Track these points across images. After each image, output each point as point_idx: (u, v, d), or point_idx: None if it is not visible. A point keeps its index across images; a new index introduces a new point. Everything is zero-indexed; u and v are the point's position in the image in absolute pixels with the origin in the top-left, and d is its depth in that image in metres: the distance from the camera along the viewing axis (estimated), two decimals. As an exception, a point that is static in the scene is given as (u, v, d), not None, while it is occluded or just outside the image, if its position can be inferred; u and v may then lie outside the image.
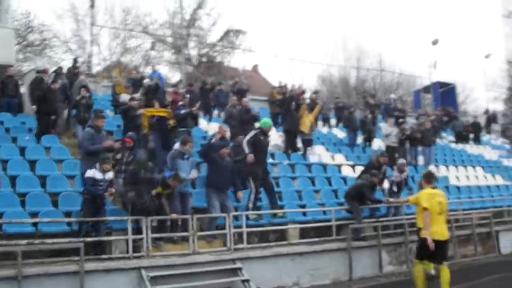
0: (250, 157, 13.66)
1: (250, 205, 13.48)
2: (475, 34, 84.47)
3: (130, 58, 41.16)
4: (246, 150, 13.90)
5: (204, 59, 42.74)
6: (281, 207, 14.27)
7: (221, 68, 41.93)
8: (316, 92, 24.66)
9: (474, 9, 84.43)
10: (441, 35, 60.10)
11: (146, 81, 19.86)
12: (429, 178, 11.07)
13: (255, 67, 53.41)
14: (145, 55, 41.59)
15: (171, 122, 14.54)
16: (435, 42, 35.64)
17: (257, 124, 16.13)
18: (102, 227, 11.15)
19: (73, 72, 19.64)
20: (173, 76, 42.71)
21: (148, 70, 33.13)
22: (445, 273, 10.57)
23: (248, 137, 14.16)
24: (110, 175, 11.38)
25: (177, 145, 13.10)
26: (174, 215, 11.65)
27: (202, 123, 20.33)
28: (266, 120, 15.18)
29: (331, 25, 79.30)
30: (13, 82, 17.44)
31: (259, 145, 14.09)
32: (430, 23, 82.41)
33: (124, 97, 17.27)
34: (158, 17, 53.02)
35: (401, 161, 16.52)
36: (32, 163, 13.44)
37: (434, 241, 10.30)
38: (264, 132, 14.41)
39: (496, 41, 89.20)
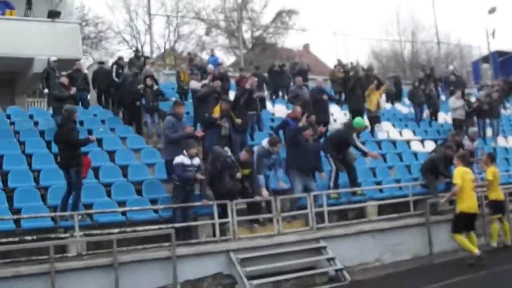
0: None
1: (331, 184, 13.55)
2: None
3: (184, 45, 41.57)
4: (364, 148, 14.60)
5: (257, 41, 42.80)
6: (360, 185, 14.23)
7: (276, 50, 41.96)
8: (370, 69, 24.33)
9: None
10: (497, 2, 58.69)
11: (210, 67, 20.05)
12: (464, 158, 12.71)
13: (306, 46, 53.17)
14: (199, 41, 41.94)
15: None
16: (492, 11, 34.76)
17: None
18: (191, 212, 11.39)
19: (137, 63, 19.93)
20: (228, 60, 42.99)
21: (204, 56, 33.45)
22: (473, 236, 12.39)
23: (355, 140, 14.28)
24: (197, 160, 11.61)
25: (264, 142, 13.03)
26: (258, 198, 11.83)
27: (268, 105, 20.42)
28: (360, 120, 15.13)
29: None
30: (82, 76, 17.80)
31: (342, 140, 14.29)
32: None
33: (194, 84, 17.40)
34: (210, 2, 53.35)
35: (473, 129, 16.52)
36: (111, 154, 13.80)
37: (468, 214, 12.04)
38: (354, 130, 14.43)
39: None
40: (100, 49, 39.53)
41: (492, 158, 14.27)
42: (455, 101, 20.11)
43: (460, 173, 12.09)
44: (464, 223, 12.13)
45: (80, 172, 10.93)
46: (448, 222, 13.92)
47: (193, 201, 11.55)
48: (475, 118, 20.58)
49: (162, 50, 40.89)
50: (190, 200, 11.45)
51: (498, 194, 13.78)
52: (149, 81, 16.15)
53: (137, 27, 41.10)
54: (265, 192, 12.39)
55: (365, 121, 15.56)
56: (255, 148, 12.81)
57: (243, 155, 12.04)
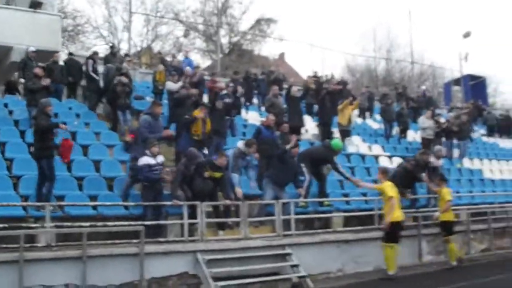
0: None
1: (303, 192, 13.82)
2: (506, 27, 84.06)
3: (161, 45, 41.61)
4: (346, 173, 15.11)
5: (234, 47, 43.07)
6: (327, 196, 14.54)
7: (252, 57, 42.28)
8: (344, 83, 24.78)
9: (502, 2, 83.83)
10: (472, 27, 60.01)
11: (188, 69, 20.25)
12: (387, 173, 13.30)
13: (281, 55, 53.63)
14: (176, 42, 42.07)
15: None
16: (466, 35, 35.59)
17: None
18: (162, 211, 11.57)
19: (112, 59, 20.01)
20: (203, 63, 43.18)
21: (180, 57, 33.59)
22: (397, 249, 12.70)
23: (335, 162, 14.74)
24: (161, 158, 11.85)
25: (240, 144, 13.43)
26: (227, 201, 12.08)
27: (242, 112, 20.69)
28: (338, 142, 15.45)
29: (360, 15, 79.44)
30: (59, 68, 17.80)
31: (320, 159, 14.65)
32: (457, 15, 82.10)
33: (171, 85, 17.58)
34: (190, 4, 53.52)
35: (438, 147, 17.02)
36: (85, 148, 13.90)
37: (398, 222, 12.50)
38: (334, 152, 14.80)
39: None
40: (77, 42, 39.39)
41: (444, 179, 14.90)
42: (424, 121, 20.56)
43: (390, 186, 12.62)
44: (395, 233, 12.49)
45: (52, 163, 11.07)
46: (410, 237, 14.46)
47: (163, 200, 11.73)
48: (443, 138, 21.06)
49: (139, 49, 40.97)
50: (160, 199, 11.63)
51: (450, 215, 14.32)
52: (124, 79, 16.19)
53: (115, 23, 41.10)
54: (239, 191, 12.76)
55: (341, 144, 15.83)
56: (231, 150, 13.06)
57: (218, 159, 12.24)
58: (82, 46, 39.55)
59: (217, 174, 12.13)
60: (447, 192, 14.33)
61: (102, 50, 38.79)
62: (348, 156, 18.47)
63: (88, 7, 52.90)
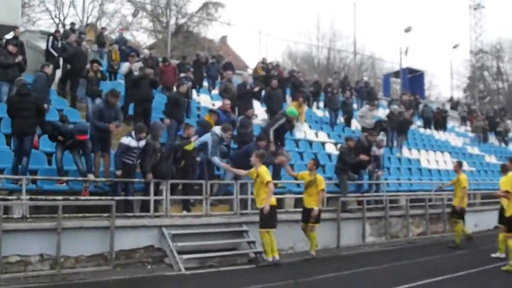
0: (272, 147, 15.07)
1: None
2: (444, 24, 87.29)
3: (107, 23, 41.51)
4: (271, 138, 15.24)
5: (181, 29, 43.35)
6: (280, 178, 15.40)
7: (198, 39, 42.69)
8: (297, 73, 25.72)
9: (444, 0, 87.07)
10: (408, 23, 62.12)
11: (146, 51, 20.70)
12: (263, 157, 12.52)
13: (223, 39, 53.96)
14: (123, 20, 42.06)
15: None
16: (408, 30, 36.98)
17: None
18: (131, 188, 12.19)
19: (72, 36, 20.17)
20: (148, 41, 43.42)
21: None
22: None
23: (276, 125, 15.42)
24: (143, 142, 12.30)
25: (217, 129, 14.02)
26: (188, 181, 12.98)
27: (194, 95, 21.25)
28: (292, 109, 16.30)
29: (305, 4, 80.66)
30: (19, 44, 17.87)
31: (282, 131, 15.66)
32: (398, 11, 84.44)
33: (127, 65, 17.88)
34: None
35: (380, 138, 18.05)
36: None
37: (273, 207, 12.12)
38: (289, 120, 15.66)
39: (462, 31, 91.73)
40: (23, 16, 38.71)
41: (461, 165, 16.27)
42: (365, 111, 21.53)
43: (267, 172, 12.32)
44: (273, 217, 12.14)
45: (33, 141, 11.53)
46: (355, 220, 15.59)
47: (134, 177, 12.35)
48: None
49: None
50: (131, 177, 12.24)
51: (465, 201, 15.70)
52: (95, 66, 16.20)
53: (61, -2, 40.75)
54: (226, 166, 13.53)
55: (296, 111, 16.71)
56: (208, 135, 13.74)
57: (186, 130, 13.13)
58: (28, 19, 39.11)
59: (189, 147, 12.86)
60: (464, 179, 15.54)
61: (47, 24, 38.76)
62: (296, 141, 19.39)
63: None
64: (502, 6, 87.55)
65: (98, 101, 14.41)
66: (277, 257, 12.04)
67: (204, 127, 14.26)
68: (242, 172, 12.96)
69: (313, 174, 13.32)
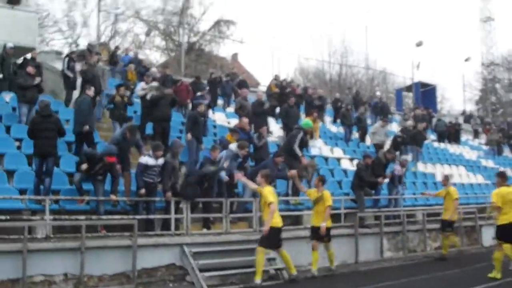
0: (304, 160, 15.63)
1: (289, 191, 15.00)
2: (454, 37, 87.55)
3: (120, 42, 41.92)
4: (299, 153, 15.69)
5: (193, 47, 43.69)
6: (298, 195, 15.50)
7: (210, 57, 43.01)
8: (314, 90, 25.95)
9: (456, 14, 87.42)
10: (419, 37, 62.29)
11: (154, 70, 20.92)
12: (269, 177, 12.32)
13: (234, 56, 54.28)
14: (136, 39, 42.48)
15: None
16: (419, 44, 37.13)
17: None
18: (152, 207, 12.33)
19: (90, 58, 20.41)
20: (161, 59, 43.80)
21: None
22: (285, 254, 12.25)
23: (297, 141, 15.73)
24: (161, 160, 12.47)
25: (233, 146, 14.14)
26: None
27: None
28: (307, 121, 16.76)
29: (317, 19, 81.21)
30: (36, 65, 18.13)
31: (302, 144, 15.95)
32: (409, 26, 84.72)
33: (143, 85, 18.05)
34: (151, 3, 53.76)
35: (404, 157, 18.03)
36: (69, 145, 14.43)
37: (276, 228, 11.76)
38: (306, 132, 16.01)
39: (473, 45, 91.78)
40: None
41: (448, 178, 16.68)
42: (378, 127, 21.63)
43: (271, 192, 11.92)
44: (272, 238, 11.76)
45: (55, 161, 11.73)
46: (373, 235, 15.62)
47: (155, 196, 12.51)
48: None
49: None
50: (153, 196, 12.40)
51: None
52: (122, 90, 16.14)
53: (74, 19, 41.29)
54: (238, 175, 13.42)
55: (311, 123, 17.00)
56: (224, 152, 13.86)
57: (212, 152, 13.27)
58: (42, 40, 39.55)
59: (213, 168, 13.00)
60: (454, 191, 15.88)
61: (60, 44, 39.21)
62: (312, 158, 19.40)
63: (48, 1, 52.59)
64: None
65: (117, 132, 14.35)
66: (295, 273, 12.13)
67: (225, 147, 14.35)
68: (253, 185, 12.66)
69: (320, 190, 13.22)
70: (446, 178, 16.47)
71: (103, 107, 17.86)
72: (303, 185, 14.73)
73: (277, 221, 11.79)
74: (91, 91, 14.84)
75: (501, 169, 14.91)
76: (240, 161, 14.28)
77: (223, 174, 13.46)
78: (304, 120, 17.18)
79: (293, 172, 14.30)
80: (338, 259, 14.53)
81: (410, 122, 23.66)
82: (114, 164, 12.07)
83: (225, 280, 11.76)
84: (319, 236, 13.03)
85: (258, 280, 11.48)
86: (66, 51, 34.83)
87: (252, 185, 12.71)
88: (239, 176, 13.20)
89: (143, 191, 12.12)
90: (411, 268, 14.60)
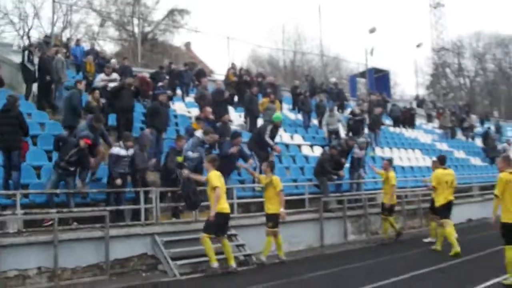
0: (278, 149, 16.31)
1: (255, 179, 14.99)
2: (405, 23, 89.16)
3: (73, 33, 41.33)
4: (271, 143, 16.01)
5: (147, 37, 43.42)
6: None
7: (164, 46, 42.84)
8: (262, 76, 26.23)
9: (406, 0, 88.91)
10: (371, 23, 63.18)
11: (113, 61, 20.84)
12: (216, 162, 12.00)
13: (187, 45, 54.14)
14: (88, 30, 41.96)
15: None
16: (372, 30, 37.72)
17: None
18: (123, 197, 12.42)
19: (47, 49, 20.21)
20: (114, 49, 43.44)
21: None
22: (226, 244, 11.86)
23: (268, 132, 15.94)
24: (131, 151, 12.59)
25: (199, 133, 14.24)
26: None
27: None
28: (278, 114, 17.01)
29: (271, 7, 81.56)
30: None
31: (271, 136, 16.12)
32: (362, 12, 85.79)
33: (102, 76, 17.97)
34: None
35: (362, 140, 18.46)
36: (34, 138, 14.32)
37: (223, 214, 11.50)
38: (275, 125, 16.23)
39: (423, 30, 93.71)
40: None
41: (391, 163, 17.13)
42: (327, 119, 22.09)
43: (217, 176, 11.64)
44: (218, 224, 11.51)
45: (20, 155, 11.65)
46: (337, 219, 16.01)
47: (126, 186, 12.62)
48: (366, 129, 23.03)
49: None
50: (124, 187, 12.49)
51: (394, 198, 16.30)
52: (96, 94, 15.68)
53: (25, 10, 40.53)
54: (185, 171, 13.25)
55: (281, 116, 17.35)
56: (190, 140, 13.96)
57: (178, 142, 13.31)
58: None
59: (180, 158, 13.08)
60: (393, 177, 16.16)
61: (11, 37, 38.48)
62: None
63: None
64: (461, 3, 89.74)
65: (82, 124, 14.30)
66: (233, 264, 11.74)
67: (192, 135, 14.45)
68: (200, 178, 12.51)
69: (269, 176, 12.98)
70: (389, 163, 16.75)
71: (63, 99, 17.79)
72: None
73: (224, 207, 11.57)
74: (81, 85, 15.05)
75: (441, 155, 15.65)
76: (207, 147, 14.37)
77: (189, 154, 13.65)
78: (276, 113, 17.34)
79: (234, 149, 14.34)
80: (304, 243, 15.00)
81: (355, 108, 24.26)
82: (88, 148, 12.12)
83: (196, 267, 11.90)
84: (275, 223, 12.82)
85: (214, 263, 11.36)
86: (16, 43, 34.41)
87: (200, 178, 12.52)
88: (186, 173, 12.66)
89: (119, 181, 12.19)
90: (375, 250, 15.03)
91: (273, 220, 12.78)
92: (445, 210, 13.93)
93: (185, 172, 12.63)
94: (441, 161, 14.71)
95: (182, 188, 12.57)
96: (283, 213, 12.81)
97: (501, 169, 10.34)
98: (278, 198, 12.79)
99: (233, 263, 11.73)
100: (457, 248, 13.23)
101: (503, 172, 10.14)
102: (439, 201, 13.97)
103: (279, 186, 12.78)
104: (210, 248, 11.39)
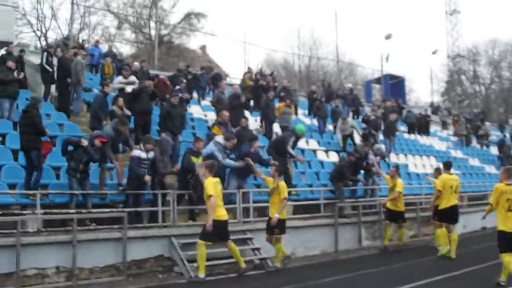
0: (302, 160, 16.87)
1: None
2: (421, 30, 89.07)
3: (90, 35, 41.70)
4: (294, 153, 16.37)
5: (163, 40, 43.68)
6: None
7: (180, 49, 43.07)
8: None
9: (423, 6, 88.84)
10: (387, 30, 63.14)
11: (136, 64, 21.01)
12: (213, 168, 11.74)
13: (203, 48, 54.36)
14: (105, 32, 42.31)
15: None
16: (388, 37, 37.71)
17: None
18: (141, 199, 12.55)
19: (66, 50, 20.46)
20: (130, 51, 43.72)
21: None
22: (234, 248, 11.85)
23: (291, 143, 16.18)
24: (152, 154, 12.72)
25: (219, 139, 14.32)
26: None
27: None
28: (301, 126, 17.02)
29: (288, 12, 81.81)
30: (13, 59, 18.05)
31: (293, 146, 16.41)
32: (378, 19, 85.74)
33: (120, 79, 18.11)
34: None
35: (378, 146, 18.54)
36: (52, 139, 14.49)
37: (220, 221, 11.44)
38: (297, 137, 16.50)
39: (439, 37, 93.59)
40: (4, 29, 38.84)
41: (398, 170, 16.99)
42: (340, 127, 22.18)
43: (213, 184, 11.38)
44: (215, 232, 11.33)
45: (40, 155, 11.82)
46: (352, 224, 16.06)
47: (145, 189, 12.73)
48: (380, 136, 23.18)
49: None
50: (143, 188, 12.60)
51: (401, 204, 16.17)
52: (120, 102, 15.24)
53: (43, 11, 40.93)
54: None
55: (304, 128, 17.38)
56: (211, 145, 14.07)
57: (196, 143, 13.45)
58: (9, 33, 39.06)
59: (195, 160, 13.15)
60: (400, 184, 16.05)
61: (29, 37, 38.83)
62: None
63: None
64: (477, 11, 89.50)
65: (107, 127, 14.35)
66: (244, 265, 11.84)
67: (211, 139, 14.54)
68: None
69: (276, 181, 12.83)
70: (396, 170, 16.66)
71: (81, 101, 18.04)
72: None
73: (221, 214, 11.48)
74: (108, 88, 15.39)
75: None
76: (228, 153, 14.49)
77: (230, 162, 14.10)
78: (298, 125, 17.33)
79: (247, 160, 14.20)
80: (319, 248, 15.06)
81: (369, 114, 24.32)
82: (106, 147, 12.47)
83: (212, 270, 11.98)
84: (269, 227, 12.72)
85: (201, 274, 11.16)
86: (33, 44, 34.72)
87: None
88: (241, 165, 13.71)
89: (148, 177, 12.39)
90: (389, 256, 15.09)
91: (279, 227, 12.67)
92: (446, 215, 14.31)
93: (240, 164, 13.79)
94: (447, 166, 14.92)
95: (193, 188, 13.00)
96: (275, 218, 12.51)
97: (500, 180, 10.71)
98: (281, 204, 12.66)
99: (243, 265, 11.82)
100: (444, 251, 14.20)
101: (501, 183, 10.57)
102: (442, 205, 14.26)
103: (283, 193, 12.64)
104: (203, 257, 11.26)
